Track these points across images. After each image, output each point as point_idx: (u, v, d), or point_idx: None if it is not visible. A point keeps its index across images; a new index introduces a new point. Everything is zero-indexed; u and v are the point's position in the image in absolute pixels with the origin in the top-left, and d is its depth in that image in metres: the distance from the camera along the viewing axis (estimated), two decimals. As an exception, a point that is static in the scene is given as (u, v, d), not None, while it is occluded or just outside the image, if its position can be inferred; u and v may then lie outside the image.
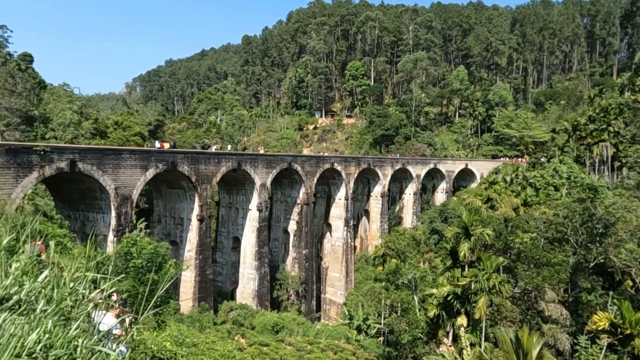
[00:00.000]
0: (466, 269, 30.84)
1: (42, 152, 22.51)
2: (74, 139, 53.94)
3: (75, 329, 2.24)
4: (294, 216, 48.63)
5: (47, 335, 1.94)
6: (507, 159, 75.32)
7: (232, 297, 42.98)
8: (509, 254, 32.73)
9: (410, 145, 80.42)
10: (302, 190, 47.39)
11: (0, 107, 48.10)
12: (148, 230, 38.62)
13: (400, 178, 65.14)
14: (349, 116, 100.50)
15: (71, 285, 3.62)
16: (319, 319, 51.75)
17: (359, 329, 37.26)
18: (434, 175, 68.96)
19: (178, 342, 9.22)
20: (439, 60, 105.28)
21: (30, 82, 56.20)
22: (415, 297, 34.25)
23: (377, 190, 59.97)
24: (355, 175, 54.90)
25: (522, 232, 35.58)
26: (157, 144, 35.13)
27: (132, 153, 29.44)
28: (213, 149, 41.45)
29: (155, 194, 38.16)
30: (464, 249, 30.30)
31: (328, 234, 56.65)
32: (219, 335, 25.34)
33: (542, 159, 67.65)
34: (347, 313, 42.65)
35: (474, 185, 69.01)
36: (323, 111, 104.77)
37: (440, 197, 68.93)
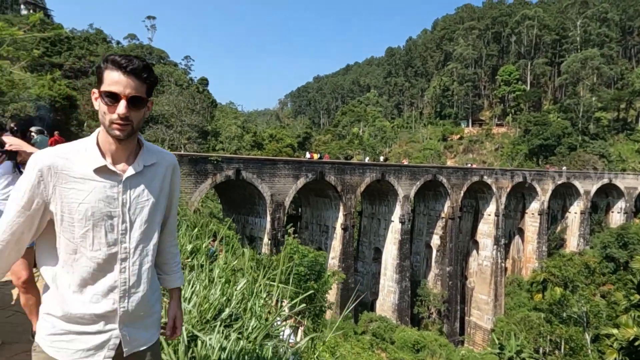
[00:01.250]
0: (660, 310, 24.85)
1: (215, 162, 25.77)
2: (237, 150, 61.05)
3: (293, 354, 2.08)
4: (438, 230, 46.39)
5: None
6: None
7: (372, 308, 42.84)
8: None
9: (576, 156, 69.86)
10: (447, 204, 44.95)
11: (184, 124, 57.22)
12: (296, 236, 41.14)
13: (564, 194, 56.96)
14: (499, 125, 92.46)
15: (264, 295, 3.58)
16: (462, 342, 48.13)
17: (511, 362, 33.25)
18: (608, 192, 58.51)
19: (333, 352, 9.13)
20: (615, 57, 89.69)
21: (206, 102, 65.65)
22: (587, 336, 29.04)
23: (534, 207, 53.44)
24: (508, 189, 49.88)
25: None
26: (308, 155, 37.40)
27: (286, 163, 31.76)
28: (366, 160, 42.12)
29: (304, 201, 40.49)
30: (657, 284, 24.51)
31: (474, 251, 52.52)
32: (360, 346, 25.32)
33: None
34: (496, 341, 38.55)
35: (665, 205, 56.34)
36: (470, 120, 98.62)
37: (616, 217, 58.06)
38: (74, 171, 1.57)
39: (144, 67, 1.59)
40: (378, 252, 43.30)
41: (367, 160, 42.07)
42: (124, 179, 1.64)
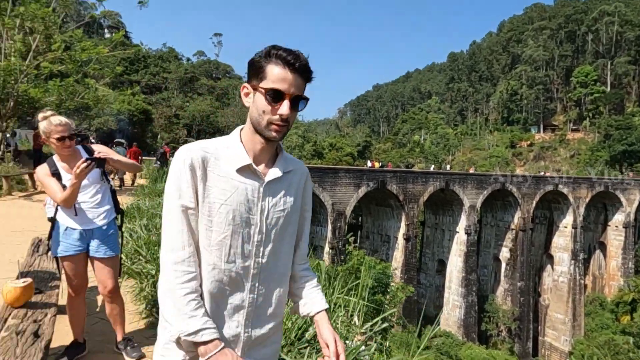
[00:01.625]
0: None
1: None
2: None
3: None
4: (507, 243, 43.67)
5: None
6: None
7: (436, 322, 41.10)
8: None
9: (668, 163, 63.02)
10: (518, 215, 42.24)
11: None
12: (356, 245, 40.71)
13: (654, 205, 51.34)
14: (575, 130, 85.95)
15: (342, 312, 3.37)
16: (535, 364, 44.69)
17: (594, 390, 30.28)
18: None
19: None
20: None
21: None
22: (688, 366, 25.66)
23: (618, 218, 48.70)
24: (587, 199, 45.91)
25: None
26: (369, 163, 36.97)
27: (347, 172, 31.61)
28: (431, 168, 40.94)
29: (364, 210, 40.01)
30: None
31: (549, 266, 48.75)
32: (425, 362, 24.24)
33: None
34: (575, 365, 35.39)
35: None
36: (541, 125, 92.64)
37: None
38: (219, 168, 1.44)
39: (307, 64, 1.44)
40: (442, 264, 41.59)
41: (432, 168, 40.71)
42: (265, 182, 1.47)
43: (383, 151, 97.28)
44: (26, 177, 13.78)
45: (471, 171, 46.97)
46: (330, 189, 30.21)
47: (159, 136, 39.25)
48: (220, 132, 59.62)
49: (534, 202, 42.74)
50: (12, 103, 10.00)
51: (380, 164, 39.36)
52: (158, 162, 13.83)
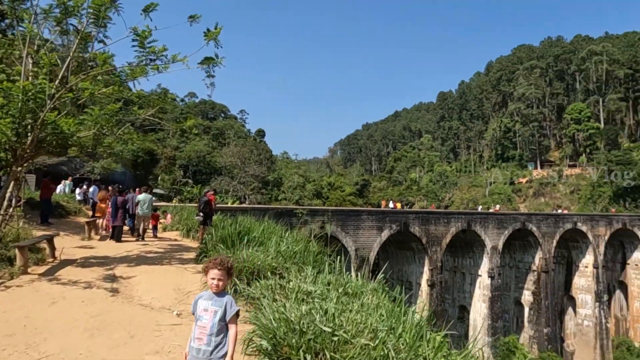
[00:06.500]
0: None
1: (300, 215, 23.78)
2: (299, 200, 59.60)
3: None
4: (529, 285, 41.26)
5: None
6: None
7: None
8: None
9: (673, 198, 62.47)
10: (539, 255, 40.17)
11: (247, 175, 56.94)
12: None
13: (671, 241, 49.91)
14: (572, 166, 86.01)
15: None
16: (566, 418, 41.15)
17: None
18: None
19: None
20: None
21: (268, 152, 65.74)
22: None
23: (638, 256, 46.94)
24: (606, 237, 44.27)
25: None
26: (391, 204, 34.73)
27: (369, 214, 29.29)
28: (497, 208, 38.77)
29: (381, 254, 37.36)
30: None
31: (570, 309, 46.20)
32: None
33: None
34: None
35: None
36: (538, 162, 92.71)
37: None
38: None
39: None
40: (463, 310, 38.72)
41: (497, 208, 38.65)
42: None
43: (379, 189, 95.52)
44: (43, 243, 9.52)
45: (497, 210, 44.91)
46: (354, 233, 27.75)
47: (159, 178, 36.66)
48: (217, 173, 57.07)
49: (554, 242, 40.84)
50: (33, 139, 7.21)
51: (401, 204, 37.01)
52: (201, 215, 10.64)
